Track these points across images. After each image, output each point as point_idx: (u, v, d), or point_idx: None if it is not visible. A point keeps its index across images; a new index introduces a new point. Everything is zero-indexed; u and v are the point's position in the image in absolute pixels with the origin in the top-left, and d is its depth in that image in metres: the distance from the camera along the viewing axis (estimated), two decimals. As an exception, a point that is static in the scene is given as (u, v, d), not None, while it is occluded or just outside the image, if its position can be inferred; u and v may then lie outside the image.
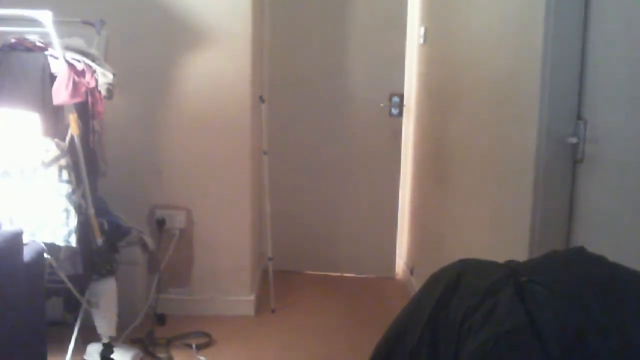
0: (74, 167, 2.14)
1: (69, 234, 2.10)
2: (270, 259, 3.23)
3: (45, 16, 1.96)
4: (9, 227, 1.91)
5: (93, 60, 2.23)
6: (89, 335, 2.40)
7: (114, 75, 2.30)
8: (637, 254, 1.27)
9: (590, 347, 0.70)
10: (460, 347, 0.78)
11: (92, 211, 2.24)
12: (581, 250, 0.94)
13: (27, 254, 1.93)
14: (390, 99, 3.51)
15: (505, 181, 1.95)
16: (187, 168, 2.95)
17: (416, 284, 3.18)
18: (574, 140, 1.55)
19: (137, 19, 2.82)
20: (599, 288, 0.77)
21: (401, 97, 3.52)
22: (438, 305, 0.85)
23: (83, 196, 2.21)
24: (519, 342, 0.72)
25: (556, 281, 0.80)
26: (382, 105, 3.52)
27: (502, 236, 1.97)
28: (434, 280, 0.91)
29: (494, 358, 0.72)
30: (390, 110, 3.54)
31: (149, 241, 2.85)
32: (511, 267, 0.86)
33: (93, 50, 2.29)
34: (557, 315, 0.73)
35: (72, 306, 2.41)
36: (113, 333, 2.37)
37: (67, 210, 2.09)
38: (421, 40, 3.34)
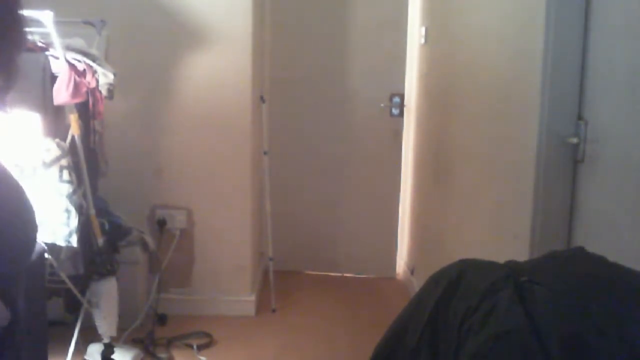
0: (74, 167, 2.15)
1: (70, 234, 2.10)
2: (270, 259, 3.24)
3: (46, 16, 1.97)
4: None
5: (94, 61, 2.23)
6: (89, 335, 2.40)
7: (114, 75, 2.30)
8: (637, 254, 1.27)
9: (589, 348, 0.70)
10: (460, 348, 0.78)
11: (92, 211, 2.24)
12: (581, 251, 0.94)
13: (28, 254, 1.92)
14: (390, 99, 3.51)
15: (506, 181, 1.95)
16: (188, 168, 2.95)
17: (417, 284, 3.18)
18: (574, 140, 1.55)
19: (138, 19, 2.82)
20: (598, 288, 0.77)
21: (402, 97, 3.52)
22: (438, 305, 0.85)
23: (84, 196, 2.21)
24: (519, 342, 0.72)
25: (556, 281, 0.80)
26: (382, 105, 3.52)
27: (502, 236, 1.97)
28: (434, 280, 0.91)
29: (493, 358, 0.72)
30: (390, 111, 3.54)
31: (150, 241, 2.85)
32: (511, 267, 0.86)
33: (94, 51, 2.29)
34: (556, 316, 0.73)
35: (73, 306, 2.42)
36: (114, 333, 2.38)
37: (67, 211, 2.09)
38: (422, 41, 3.34)
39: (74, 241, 2.10)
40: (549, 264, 0.88)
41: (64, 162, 2.09)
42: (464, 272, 0.87)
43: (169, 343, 2.68)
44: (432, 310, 0.85)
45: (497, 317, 0.76)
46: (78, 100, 2.14)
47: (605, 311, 0.73)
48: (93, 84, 2.21)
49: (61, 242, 2.10)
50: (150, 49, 2.84)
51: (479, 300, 0.79)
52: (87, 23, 2.38)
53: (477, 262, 0.91)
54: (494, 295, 0.78)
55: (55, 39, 2.03)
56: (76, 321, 2.33)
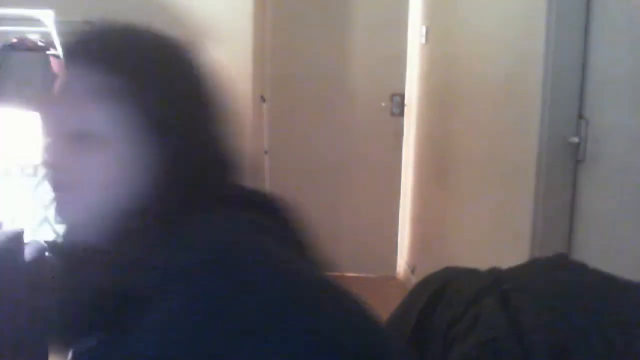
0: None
1: (70, 233, 2.10)
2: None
3: (46, 15, 1.97)
4: (10, 226, 1.92)
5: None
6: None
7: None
8: (637, 254, 1.27)
9: (573, 353, 0.70)
10: (446, 357, 0.77)
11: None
12: (563, 258, 0.93)
13: (29, 253, 1.93)
14: (391, 99, 3.51)
15: (507, 180, 1.95)
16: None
17: (417, 284, 3.18)
18: (575, 139, 1.54)
19: (138, 18, 2.81)
20: (581, 295, 0.77)
21: (402, 96, 3.52)
22: (423, 314, 0.84)
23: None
24: (503, 350, 0.72)
25: (539, 288, 0.80)
26: (383, 104, 3.52)
27: (503, 236, 1.97)
28: (419, 288, 0.90)
29: (477, 367, 0.72)
30: (391, 110, 3.53)
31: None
32: (495, 275, 0.85)
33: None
34: (540, 323, 0.73)
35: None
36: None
37: (67, 210, 2.09)
38: (423, 40, 3.33)
39: (74, 240, 2.10)
40: (531, 271, 0.88)
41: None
42: (449, 281, 0.86)
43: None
44: (417, 319, 0.84)
45: (481, 325, 0.75)
46: (78, 99, 2.14)
47: (588, 318, 0.73)
48: (93, 84, 2.20)
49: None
50: (150, 48, 2.84)
51: (463, 308, 0.78)
52: (87, 22, 2.38)
53: (460, 270, 0.91)
54: (478, 304, 0.78)
55: (56, 38, 2.03)
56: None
